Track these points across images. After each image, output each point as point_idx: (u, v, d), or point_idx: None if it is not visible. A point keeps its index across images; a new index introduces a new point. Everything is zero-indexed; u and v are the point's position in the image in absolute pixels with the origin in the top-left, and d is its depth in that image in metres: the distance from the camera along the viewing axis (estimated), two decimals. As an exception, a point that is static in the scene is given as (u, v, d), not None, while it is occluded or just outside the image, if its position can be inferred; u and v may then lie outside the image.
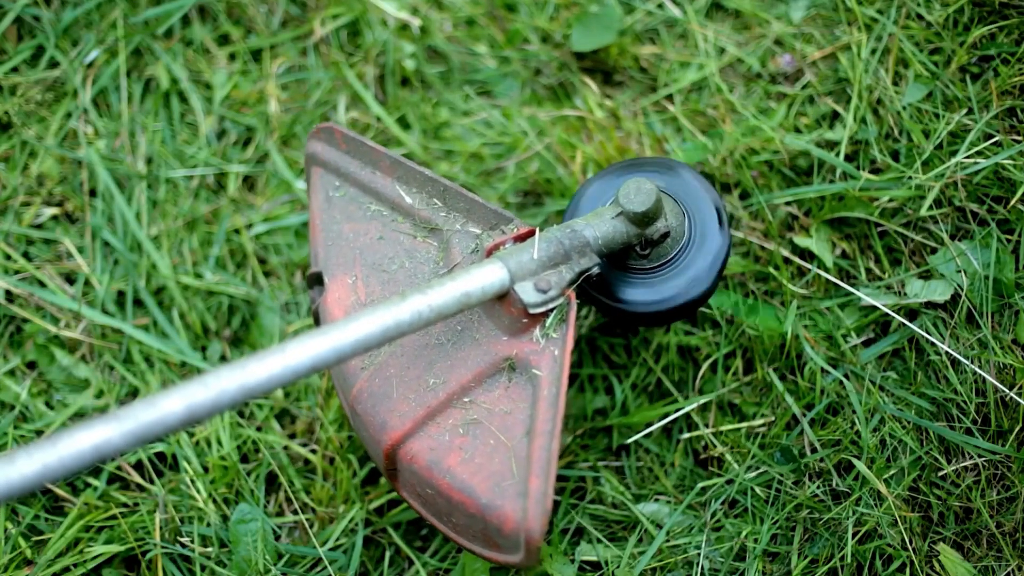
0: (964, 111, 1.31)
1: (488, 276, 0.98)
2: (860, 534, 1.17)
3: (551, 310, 1.01)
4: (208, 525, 1.24)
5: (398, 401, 1.03)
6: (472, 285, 0.96)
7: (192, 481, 1.27)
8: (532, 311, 0.99)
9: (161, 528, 1.23)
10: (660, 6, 1.54)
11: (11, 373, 1.37)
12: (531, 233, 1.04)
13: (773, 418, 1.27)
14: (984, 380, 1.19)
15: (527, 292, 0.99)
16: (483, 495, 0.96)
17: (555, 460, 0.93)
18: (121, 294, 1.43)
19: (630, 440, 1.29)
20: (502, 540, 0.96)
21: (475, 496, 0.96)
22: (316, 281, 1.15)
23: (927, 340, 1.24)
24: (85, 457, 0.78)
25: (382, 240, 1.13)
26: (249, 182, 1.52)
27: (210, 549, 1.23)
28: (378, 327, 0.91)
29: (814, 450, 1.24)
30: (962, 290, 1.23)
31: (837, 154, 1.35)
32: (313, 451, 1.33)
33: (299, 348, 0.87)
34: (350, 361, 1.07)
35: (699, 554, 1.21)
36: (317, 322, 1.16)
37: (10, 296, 1.41)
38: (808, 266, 1.32)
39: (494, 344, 1.03)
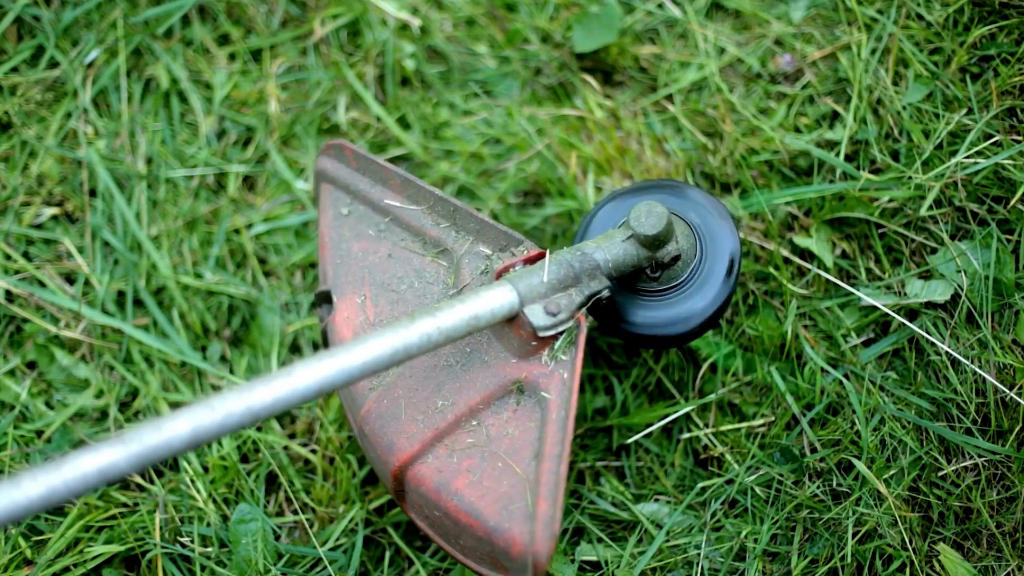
0: (964, 111, 1.31)
1: (497, 299, 0.97)
2: (860, 534, 1.17)
3: (560, 333, 1.01)
4: (208, 525, 1.24)
5: (406, 422, 1.03)
6: (481, 308, 0.96)
7: (192, 481, 1.27)
8: (541, 334, 0.99)
9: (161, 528, 1.23)
10: (660, 6, 1.54)
11: (11, 373, 1.37)
12: (541, 255, 1.03)
13: (773, 418, 1.27)
14: (984, 380, 1.19)
15: (536, 315, 0.99)
16: (491, 518, 0.96)
17: (563, 483, 0.93)
18: (121, 294, 1.43)
19: (630, 440, 1.29)
20: (509, 563, 0.96)
21: (483, 519, 0.96)
22: (324, 300, 1.14)
23: (927, 340, 1.24)
24: (90, 481, 0.78)
25: (391, 259, 1.13)
26: (249, 182, 1.52)
27: (210, 549, 1.23)
28: (386, 350, 0.91)
29: (814, 450, 1.24)
30: (962, 290, 1.23)
31: (837, 154, 1.35)
32: (313, 451, 1.33)
33: (306, 371, 0.87)
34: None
35: (699, 554, 1.21)
36: (326, 341, 1.15)
37: (10, 296, 1.40)
38: (808, 266, 1.32)
39: (503, 366, 1.02)
